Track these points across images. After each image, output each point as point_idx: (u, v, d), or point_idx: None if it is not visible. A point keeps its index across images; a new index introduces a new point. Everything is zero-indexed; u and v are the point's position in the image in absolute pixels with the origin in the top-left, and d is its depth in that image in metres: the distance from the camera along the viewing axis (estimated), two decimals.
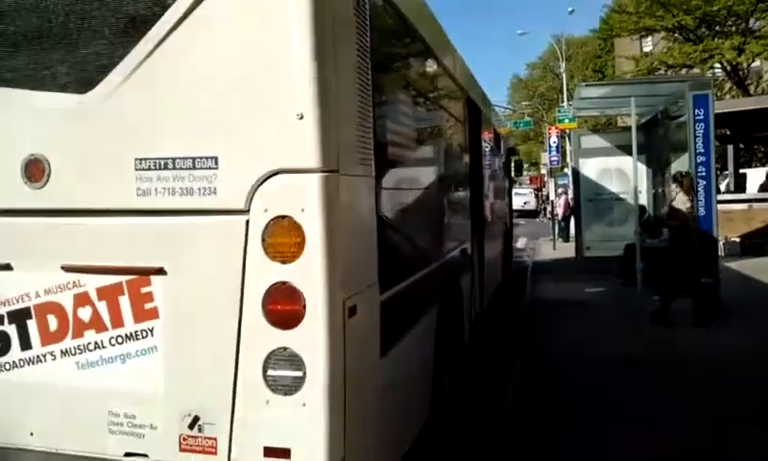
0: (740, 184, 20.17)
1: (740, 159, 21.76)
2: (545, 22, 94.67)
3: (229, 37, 2.79)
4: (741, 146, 21.94)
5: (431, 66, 5.38)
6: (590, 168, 14.88)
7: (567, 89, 37.11)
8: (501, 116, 19.57)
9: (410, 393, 4.21)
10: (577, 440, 4.94)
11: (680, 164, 10.87)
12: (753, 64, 25.41)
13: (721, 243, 13.83)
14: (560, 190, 24.11)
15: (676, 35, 26.66)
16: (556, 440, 4.93)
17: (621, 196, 14.22)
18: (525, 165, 67.27)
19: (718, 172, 16.03)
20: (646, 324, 8.61)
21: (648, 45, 32.16)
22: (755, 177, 21.23)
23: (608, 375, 6.42)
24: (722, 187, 19.89)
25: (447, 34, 6.15)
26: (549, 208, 29.05)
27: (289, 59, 2.68)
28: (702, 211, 9.64)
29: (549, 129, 29.21)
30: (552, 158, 27.26)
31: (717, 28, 25.05)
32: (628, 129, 13.06)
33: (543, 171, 44.24)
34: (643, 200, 12.33)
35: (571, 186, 17.72)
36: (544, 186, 42.57)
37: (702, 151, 9.74)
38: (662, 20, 25.23)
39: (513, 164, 13.85)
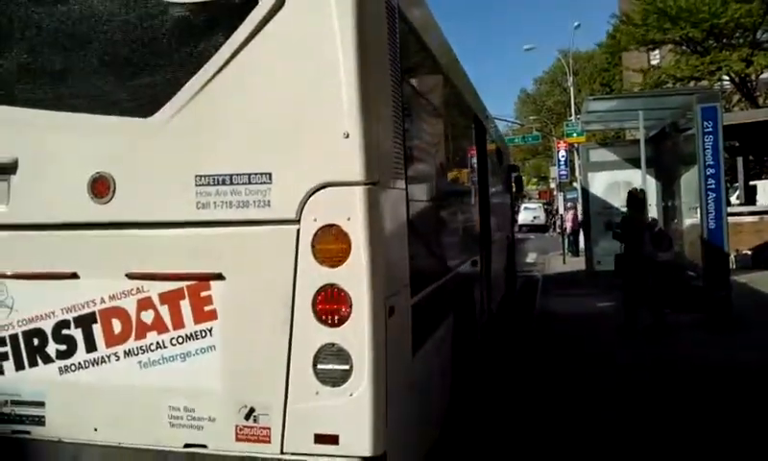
0: (750, 196, 20.44)
1: (750, 171, 22.06)
2: (551, 38, 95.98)
3: (283, 66, 3.17)
4: (751, 158, 22.24)
5: (447, 90, 5.84)
6: (599, 182, 15.24)
7: (575, 103, 37.56)
8: (502, 131, 20.04)
9: (434, 390, 4.56)
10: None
11: (689, 177, 11.19)
12: (761, 76, 25.77)
13: (732, 256, 14.07)
14: (569, 204, 24.43)
15: (683, 47, 27.09)
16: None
17: None
18: (534, 179, 68.23)
19: (728, 184, 16.31)
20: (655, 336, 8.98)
21: (656, 58, 32.59)
22: (765, 188, 21.50)
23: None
24: (733, 199, 20.18)
25: (456, 48, 6.64)
26: (558, 223, 29.37)
27: (337, 85, 3.07)
28: (712, 224, 9.87)
29: (557, 143, 29.58)
30: (561, 173, 27.57)
31: (725, 40, 25.44)
32: (636, 142, 13.27)
33: (552, 185, 44.66)
34: (653, 213, 12.55)
35: (580, 201, 18.03)
36: (553, 201, 42.93)
37: (711, 163, 9.93)
38: (670, 33, 25.67)
39: (514, 180, 14.29)
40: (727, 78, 25.99)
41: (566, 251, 22.29)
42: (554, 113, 56.60)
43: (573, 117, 33.78)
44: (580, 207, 19.15)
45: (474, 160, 7.66)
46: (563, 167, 27.60)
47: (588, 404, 6.17)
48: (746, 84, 25.91)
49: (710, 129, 9.95)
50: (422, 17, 4.65)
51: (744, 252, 16.54)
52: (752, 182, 21.53)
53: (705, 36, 25.32)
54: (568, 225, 23.48)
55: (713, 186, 9.94)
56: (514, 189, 14.53)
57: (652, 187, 13.26)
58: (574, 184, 29.99)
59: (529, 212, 45.09)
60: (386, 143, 3.39)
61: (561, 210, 26.91)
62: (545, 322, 10.54)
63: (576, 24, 40.23)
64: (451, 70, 6.00)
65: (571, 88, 40.71)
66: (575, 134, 26.37)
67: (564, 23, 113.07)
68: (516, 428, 5.65)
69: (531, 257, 25.24)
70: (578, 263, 18.75)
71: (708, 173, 9.94)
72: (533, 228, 42.83)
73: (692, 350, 8.18)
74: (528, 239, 35.10)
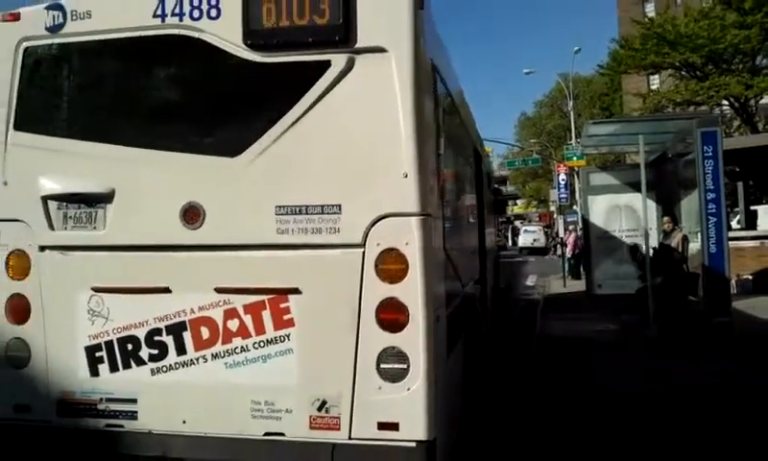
0: (751, 221, 21.10)
1: (751, 196, 22.78)
2: (551, 62, 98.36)
3: (351, 116, 4.02)
4: (751, 183, 23.01)
5: (460, 128, 6.82)
6: (600, 205, 15.76)
7: (575, 127, 38.68)
8: (502, 154, 21.01)
9: (457, 389, 5.35)
10: None
11: (690, 201, 11.74)
12: (761, 101, 26.84)
13: (733, 281, 14.53)
14: (570, 227, 25.31)
15: (683, 72, 28.21)
16: None
17: (631, 233, 14.98)
18: (534, 202, 69.72)
19: (729, 209, 16.91)
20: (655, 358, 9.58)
21: (655, 83, 33.77)
22: (766, 213, 21.96)
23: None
24: (734, 224, 20.78)
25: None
26: (559, 246, 30.26)
27: (397, 132, 3.92)
28: (713, 249, 10.37)
29: (558, 166, 30.56)
30: (561, 196, 28.56)
31: (724, 65, 26.58)
32: (636, 166, 13.69)
33: (552, 208, 45.71)
34: (653, 237, 12.83)
35: (581, 225, 18.65)
36: (553, 223, 44.00)
37: (711, 188, 10.43)
38: (669, 57, 26.81)
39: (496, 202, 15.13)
40: (726, 103, 27.01)
41: (567, 274, 23.18)
42: (554, 137, 58.06)
43: (573, 141, 34.94)
44: (580, 231, 19.91)
45: (476, 189, 8.69)
46: (563, 190, 28.61)
47: (586, 426, 6.62)
48: (746, 110, 26.97)
49: (711, 153, 10.42)
50: (447, 69, 5.55)
51: (745, 277, 17.21)
52: (752, 207, 22.12)
53: (704, 61, 26.44)
54: (569, 247, 24.38)
55: (714, 211, 10.42)
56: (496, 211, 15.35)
57: (652, 212, 13.61)
58: (574, 207, 30.99)
59: (529, 235, 46.29)
60: (433, 181, 4.24)
61: (561, 233, 27.79)
62: (546, 345, 11.04)
63: (576, 48, 41.47)
64: (461, 107, 6.99)
65: (571, 112, 41.93)
66: (575, 158, 27.47)
67: (563, 47, 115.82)
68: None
69: (531, 280, 26.04)
70: (579, 286, 19.54)
71: (708, 198, 10.43)
72: (533, 250, 43.91)
73: (691, 376, 8.50)
74: (528, 262, 35.98)
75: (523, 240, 46.20)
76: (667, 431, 6.42)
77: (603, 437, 6.27)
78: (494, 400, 7.52)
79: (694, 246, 11.25)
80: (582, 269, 21.30)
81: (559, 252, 30.08)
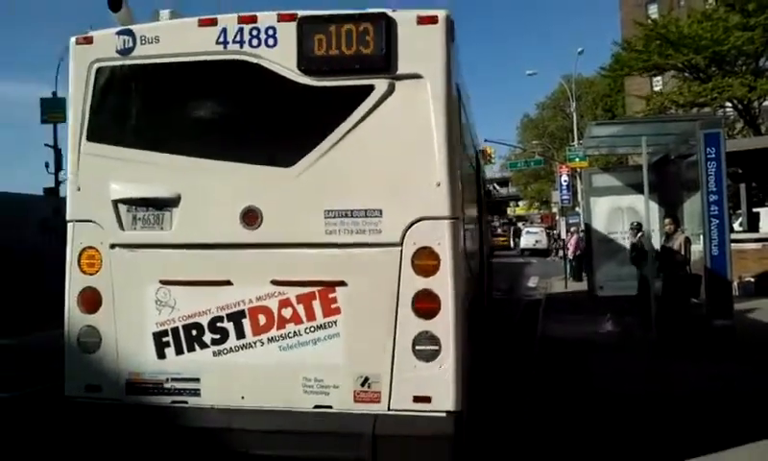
0: (753, 223, 21.73)
1: (753, 198, 23.26)
2: (554, 63, 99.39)
3: (391, 133, 4.82)
4: (754, 185, 23.53)
5: (468, 138, 7.63)
6: (602, 207, 16.15)
7: (578, 128, 39.42)
8: (504, 155, 21.72)
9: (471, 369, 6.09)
10: None
11: (692, 203, 12.00)
12: (764, 104, 27.54)
13: (735, 283, 14.95)
14: (572, 229, 26.00)
15: (686, 73, 28.91)
16: None
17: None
18: (536, 204, 71.07)
19: (731, 211, 17.35)
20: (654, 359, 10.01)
21: (658, 84, 34.49)
22: None
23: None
24: (736, 226, 21.24)
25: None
26: (561, 249, 30.96)
27: (431, 148, 4.73)
28: (715, 251, 10.56)
29: (560, 167, 31.27)
30: (563, 197, 29.28)
31: (727, 67, 27.30)
32: (639, 168, 13.71)
33: (555, 209, 46.49)
34: (656, 239, 13.06)
35: (583, 227, 19.08)
36: (555, 225, 44.73)
37: (714, 189, 10.61)
38: (672, 58, 27.54)
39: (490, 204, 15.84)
40: (729, 105, 27.71)
41: (569, 275, 23.97)
42: (556, 138, 59.04)
43: (576, 142, 35.72)
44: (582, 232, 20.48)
45: (478, 194, 9.58)
46: (565, 192, 29.34)
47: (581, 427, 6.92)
48: (749, 112, 27.69)
49: (713, 155, 10.60)
50: (465, 89, 6.36)
51: (747, 279, 17.78)
52: (755, 210, 22.71)
53: (707, 62, 27.14)
54: (571, 249, 25.15)
55: (716, 213, 10.61)
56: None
57: (655, 213, 13.67)
58: (576, 209, 31.73)
59: (531, 236, 47.02)
60: (458, 189, 5.04)
61: (563, 235, 28.52)
62: (547, 346, 11.48)
63: (579, 50, 41.97)
64: (470, 120, 7.85)
65: (574, 114, 42.74)
66: (577, 159, 28.25)
67: (565, 48, 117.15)
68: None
69: (533, 282, 26.86)
70: (580, 288, 20.19)
71: (711, 199, 10.62)
72: (534, 252, 44.68)
73: (692, 379, 8.69)
74: (530, 263, 36.67)
75: (525, 241, 46.96)
76: (667, 433, 6.62)
77: (603, 439, 6.52)
78: (496, 401, 7.86)
79: (696, 248, 11.40)
80: (583, 271, 21.99)
81: (561, 253, 30.88)
